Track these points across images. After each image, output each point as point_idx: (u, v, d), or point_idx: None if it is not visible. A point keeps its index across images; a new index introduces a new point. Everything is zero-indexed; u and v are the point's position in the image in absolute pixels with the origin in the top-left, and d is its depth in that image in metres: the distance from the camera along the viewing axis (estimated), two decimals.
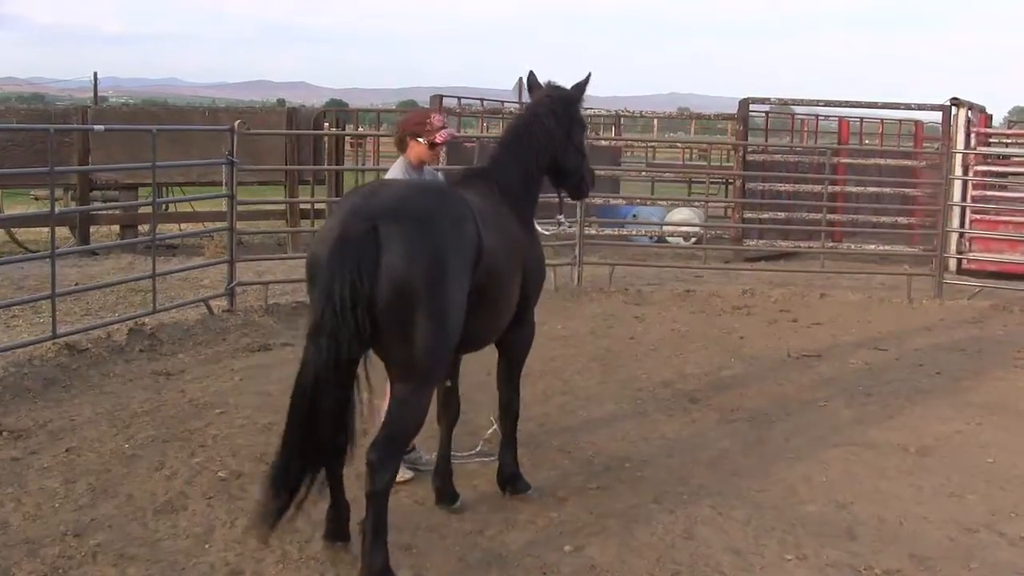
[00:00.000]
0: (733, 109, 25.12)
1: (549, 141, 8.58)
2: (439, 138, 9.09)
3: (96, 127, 16.85)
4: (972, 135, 21.96)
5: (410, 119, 9.37)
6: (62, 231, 22.66)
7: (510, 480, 8.73)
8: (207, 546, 7.62)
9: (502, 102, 29.58)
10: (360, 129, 33.53)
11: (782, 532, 8.17)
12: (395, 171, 9.18)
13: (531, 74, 9.07)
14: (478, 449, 9.52)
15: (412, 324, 6.61)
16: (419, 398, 6.94)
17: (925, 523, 8.49)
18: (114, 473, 8.95)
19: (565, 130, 8.68)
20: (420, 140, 9.06)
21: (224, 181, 16.01)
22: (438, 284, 6.64)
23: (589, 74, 8.90)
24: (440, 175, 9.80)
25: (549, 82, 8.89)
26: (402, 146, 9.21)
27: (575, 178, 9.03)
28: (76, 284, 16.37)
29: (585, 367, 13.19)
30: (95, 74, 43.97)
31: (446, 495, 8.49)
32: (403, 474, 8.72)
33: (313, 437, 6.71)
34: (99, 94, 44.04)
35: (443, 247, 6.73)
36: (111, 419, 10.40)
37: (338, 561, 7.37)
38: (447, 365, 7.39)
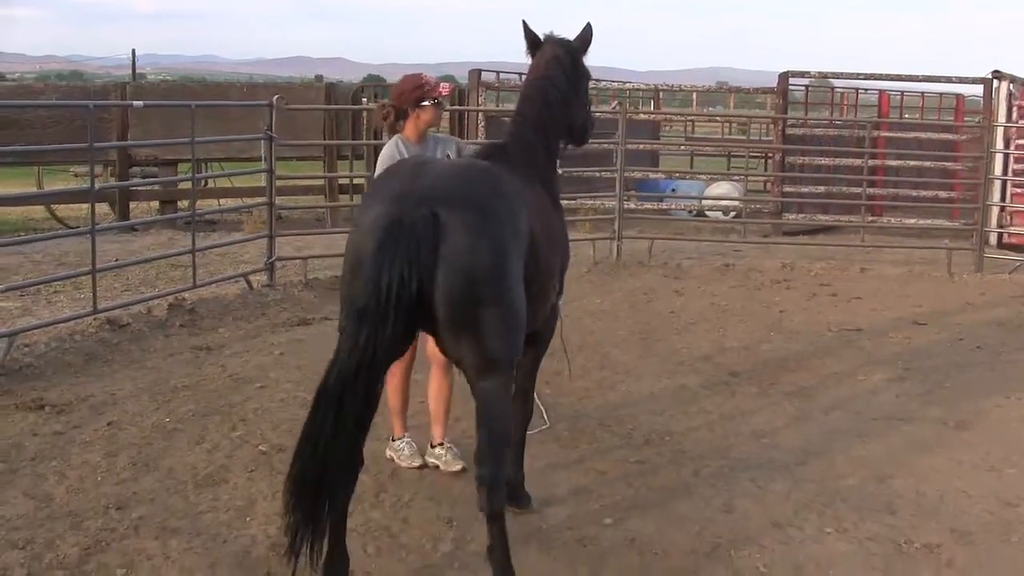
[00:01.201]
0: (772, 84, 25.03)
1: (566, 108, 7.96)
2: (444, 90, 8.71)
3: (135, 103, 16.89)
4: (1014, 108, 21.82)
5: (405, 90, 8.65)
6: (102, 207, 22.73)
7: (515, 494, 7.83)
8: (248, 519, 7.65)
9: None
10: None
11: (822, 505, 8.15)
12: (390, 152, 8.53)
13: (525, 25, 8.14)
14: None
15: (481, 317, 6.10)
16: (504, 391, 6.46)
17: (965, 497, 8.45)
18: (155, 447, 9.00)
19: (575, 87, 8.07)
20: (426, 104, 8.55)
21: (263, 156, 16.06)
22: (505, 273, 6.18)
23: (589, 24, 8.22)
24: (456, 142, 9.22)
25: (549, 35, 8.09)
26: (397, 125, 8.67)
27: (581, 130, 8.37)
28: (116, 260, 16.42)
29: (624, 341, 13.18)
30: (133, 51, 44.02)
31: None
32: (455, 464, 8.71)
33: (334, 444, 5.91)
34: (137, 71, 44.04)
35: (506, 234, 6.26)
36: (152, 393, 10.45)
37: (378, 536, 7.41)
38: (521, 353, 6.78)
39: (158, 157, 23.25)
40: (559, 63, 7.90)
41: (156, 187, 23.45)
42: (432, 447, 8.88)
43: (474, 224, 6.10)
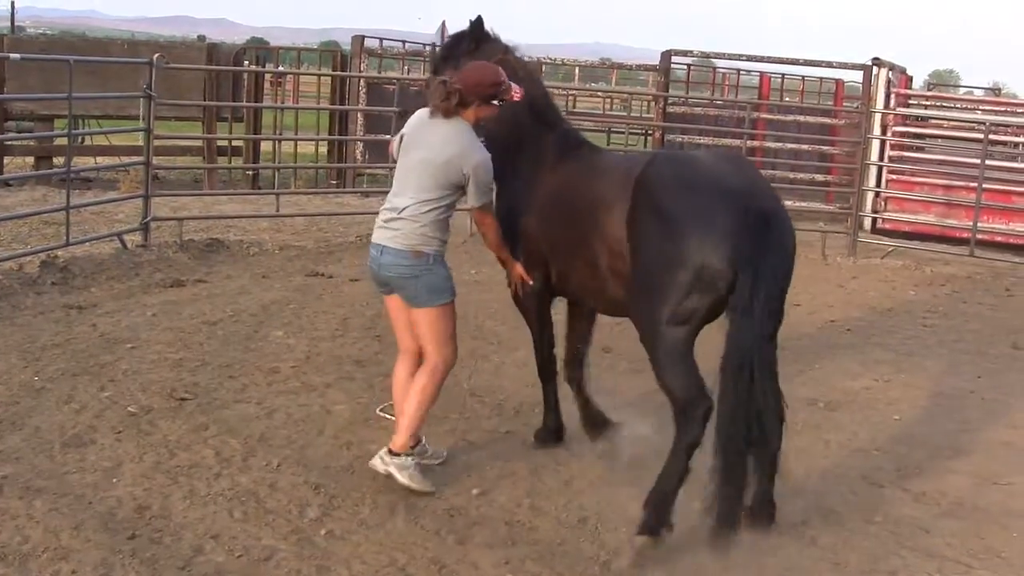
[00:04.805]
0: (655, 61, 25.16)
1: None
2: (517, 95, 7.92)
3: (12, 56, 16.64)
4: (892, 96, 22.15)
5: (483, 83, 7.75)
6: None
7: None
8: (115, 480, 7.60)
9: (424, 45, 29.40)
10: (280, 67, 33.24)
11: (689, 480, 8.24)
12: (464, 135, 7.74)
13: (480, 20, 8.43)
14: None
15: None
16: None
17: (831, 477, 8.63)
18: (22, 406, 8.89)
19: None
20: (496, 103, 7.83)
21: (141, 115, 15.87)
22: None
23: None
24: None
25: (504, 40, 8.73)
26: (455, 109, 7.73)
27: None
28: None
29: (498, 312, 13.15)
30: (12, 3, 43.31)
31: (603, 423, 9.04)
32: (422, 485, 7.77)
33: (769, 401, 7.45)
34: (16, 24, 43.34)
35: None
36: (21, 351, 10.31)
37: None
38: None
39: (34, 112, 22.85)
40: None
41: (31, 142, 23.08)
42: (393, 454, 7.78)
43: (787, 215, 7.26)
